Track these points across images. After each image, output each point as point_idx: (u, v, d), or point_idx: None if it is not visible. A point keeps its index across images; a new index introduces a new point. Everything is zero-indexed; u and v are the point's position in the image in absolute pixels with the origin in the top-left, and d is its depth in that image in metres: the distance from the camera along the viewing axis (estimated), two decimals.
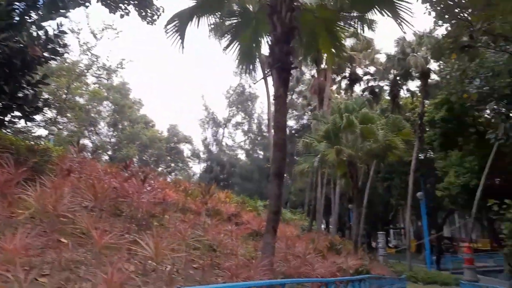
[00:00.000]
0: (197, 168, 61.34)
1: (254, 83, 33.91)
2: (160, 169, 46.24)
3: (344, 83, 32.28)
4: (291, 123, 53.47)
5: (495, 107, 15.64)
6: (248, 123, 59.47)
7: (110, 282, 3.51)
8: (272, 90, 7.62)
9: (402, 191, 34.86)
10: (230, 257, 7.01)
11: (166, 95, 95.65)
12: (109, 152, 42.79)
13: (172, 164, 55.51)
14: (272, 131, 13.08)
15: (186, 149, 57.63)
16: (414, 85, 29.99)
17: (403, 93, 31.63)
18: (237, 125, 59.57)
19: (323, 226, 37.13)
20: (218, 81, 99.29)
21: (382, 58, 30.94)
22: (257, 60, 10.29)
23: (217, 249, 7.64)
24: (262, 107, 63.07)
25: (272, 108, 15.35)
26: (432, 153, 35.52)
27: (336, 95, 33.42)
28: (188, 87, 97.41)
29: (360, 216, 22.48)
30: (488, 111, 19.80)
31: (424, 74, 26.11)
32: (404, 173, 34.34)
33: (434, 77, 27.15)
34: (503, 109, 15.35)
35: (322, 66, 26.29)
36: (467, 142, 27.74)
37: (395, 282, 13.70)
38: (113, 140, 44.48)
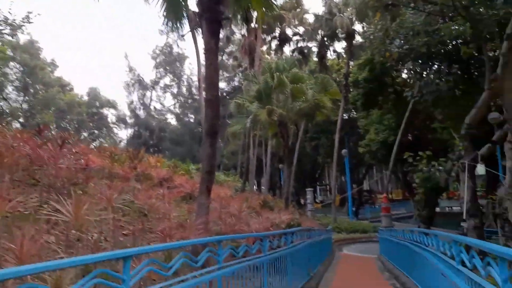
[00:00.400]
0: (123, 134, 58.36)
1: (182, 36, 32.20)
2: (82, 136, 43.09)
3: (274, 44, 32.25)
4: (222, 85, 52.66)
5: (411, 67, 16.74)
6: (177, 85, 57.32)
7: (21, 253, 3.08)
8: (202, 51, 7.16)
9: (329, 149, 36.85)
10: (163, 221, 6.76)
11: (85, 55, 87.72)
12: (21, 120, 38.57)
13: (96, 131, 52.06)
14: (204, 93, 12.61)
15: (110, 114, 54.21)
16: (340, 46, 31.02)
17: (330, 54, 32.60)
18: (165, 88, 57.14)
19: (255, 187, 38.21)
20: (144, 40, 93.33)
21: (310, 18, 31.30)
22: (185, 16, 9.58)
23: (148, 214, 7.32)
24: (192, 68, 60.98)
25: (203, 70, 14.78)
26: (355, 112, 37.71)
27: (266, 56, 33.35)
28: (110, 46, 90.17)
29: (290, 174, 23.36)
30: (405, 71, 21.25)
31: (349, 35, 27.01)
32: (330, 132, 36.22)
33: (358, 39, 28.27)
34: (419, 68, 16.50)
35: (253, 25, 25.81)
36: (386, 101, 29.79)
37: (323, 233, 14.65)
38: (24, 106, 40.03)
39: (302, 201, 44.18)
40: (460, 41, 16.04)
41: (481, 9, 11.97)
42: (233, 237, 5.27)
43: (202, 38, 6.47)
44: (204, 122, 6.71)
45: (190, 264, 3.28)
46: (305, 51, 31.06)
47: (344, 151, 30.96)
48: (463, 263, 3.48)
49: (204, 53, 6.47)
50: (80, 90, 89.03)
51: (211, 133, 6.36)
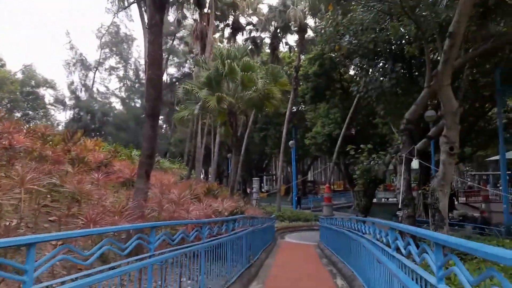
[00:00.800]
0: (62, 116, 54.55)
1: (125, 8, 30.37)
2: (15, 117, 39.60)
3: (227, 32, 31.74)
4: (172, 70, 51.07)
5: (358, 63, 17.28)
6: (124, 68, 54.59)
7: None
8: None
9: (276, 140, 37.35)
10: (97, 207, 6.30)
11: (20, 30, 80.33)
12: None
13: (31, 112, 48.19)
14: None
15: (48, 94, 50.41)
16: (293, 39, 31.30)
17: (282, 47, 32.79)
18: (111, 70, 54.16)
19: (202, 176, 37.71)
20: (88, 18, 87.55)
21: (264, 8, 31.20)
22: None
23: (81, 199, 6.78)
24: (140, 51, 58.27)
25: None
26: (304, 105, 38.52)
27: (219, 43, 32.74)
28: (50, 22, 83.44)
29: (238, 163, 23.31)
30: (353, 68, 21.94)
31: (302, 29, 27.31)
32: (279, 124, 36.72)
33: (311, 33, 28.69)
34: (365, 65, 17.09)
35: (205, 10, 25.10)
36: (333, 96, 30.76)
37: (266, 221, 14.78)
38: None
39: (248, 190, 44.54)
40: (404, 41, 16.86)
41: (424, 13, 12.60)
42: (169, 224, 5.00)
43: (145, 11, 6.02)
44: (146, 102, 6.29)
45: (117, 252, 2.99)
46: (258, 41, 30.95)
47: (291, 142, 31.54)
48: (398, 250, 3.56)
49: (148, 28, 6.03)
50: (14, 67, 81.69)
51: (153, 115, 5.98)
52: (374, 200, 22.76)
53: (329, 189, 25.54)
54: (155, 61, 5.88)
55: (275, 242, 16.56)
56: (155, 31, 5.86)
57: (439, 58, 10.55)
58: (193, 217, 6.52)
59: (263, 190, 48.25)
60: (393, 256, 3.39)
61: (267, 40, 32.02)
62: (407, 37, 15.50)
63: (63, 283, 2.38)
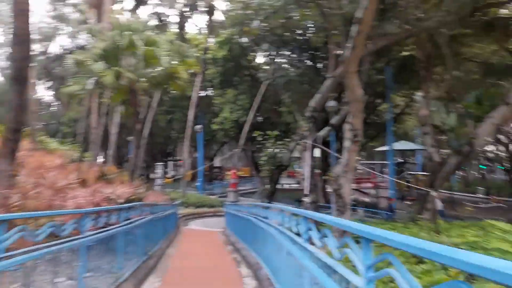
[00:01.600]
0: None
1: None
2: None
3: (129, 3, 29.16)
4: (65, 42, 45.45)
5: (267, 49, 17.27)
6: (3, 33, 46.76)
7: None
8: None
9: (183, 125, 36.09)
10: None
11: None
12: None
13: None
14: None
15: None
16: (202, 21, 30.18)
17: (191, 29, 31.47)
18: None
19: (102, 159, 34.64)
20: None
21: None
22: None
23: None
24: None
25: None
26: (212, 90, 37.87)
27: (119, 16, 29.93)
28: None
29: (139, 147, 21.79)
30: (261, 54, 22.01)
31: (210, 10, 26.41)
32: (186, 107, 35.41)
33: (222, 17, 27.94)
34: (273, 52, 17.16)
35: None
36: (241, 82, 30.69)
37: (169, 208, 14.05)
38: None
39: (152, 176, 42.47)
40: (310, 32, 17.35)
41: (330, 5, 12.98)
42: (29, 216, 4.00)
43: None
44: (11, 63, 5.01)
45: None
46: (164, 18, 29.11)
47: (198, 126, 30.70)
48: (298, 235, 3.31)
49: None
50: None
51: (20, 79, 4.76)
52: (279, 186, 23.46)
53: (235, 175, 25.54)
54: (22, 12, 4.64)
55: (179, 229, 15.85)
56: None
57: (342, 52, 10.97)
58: (74, 206, 5.50)
59: (168, 175, 46.52)
60: (304, 248, 3.06)
61: (175, 19, 30.39)
62: (313, 27, 15.96)
63: None
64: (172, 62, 15.08)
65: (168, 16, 30.12)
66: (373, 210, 17.57)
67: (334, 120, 11.42)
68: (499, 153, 32.06)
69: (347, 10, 12.11)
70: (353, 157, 7.00)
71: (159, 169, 28.60)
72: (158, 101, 30.39)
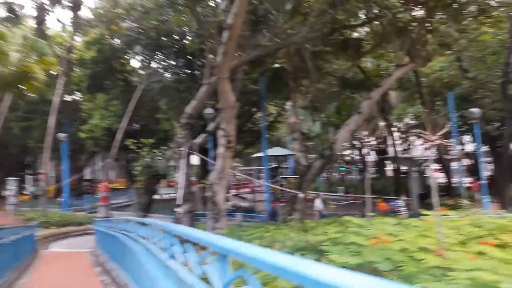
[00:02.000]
0: None
1: None
2: None
3: None
4: None
5: (140, 53, 16.40)
6: None
7: None
8: None
9: (44, 132, 31.78)
10: None
11: None
12: None
13: None
14: None
15: None
16: (67, 17, 27.07)
17: (53, 26, 27.93)
18: None
19: None
20: None
21: None
22: None
23: None
24: None
25: None
26: (80, 94, 34.34)
27: None
28: None
29: None
30: (135, 58, 20.82)
31: (76, 5, 23.88)
32: (47, 113, 31.24)
33: (89, 15, 25.49)
34: (147, 56, 16.38)
35: None
36: (114, 87, 28.58)
37: (22, 230, 12.03)
38: None
39: (4, 193, 36.17)
40: (186, 37, 17.12)
41: (205, 12, 12.99)
42: None
43: None
44: None
45: None
46: (17, 9, 25.17)
47: (61, 135, 27.30)
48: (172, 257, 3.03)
49: None
50: None
51: None
52: (157, 197, 22.33)
53: (106, 187, 23.47)
54: None
55: (36, 254, 13.66)
56: None
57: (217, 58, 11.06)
58: None
59: (27, 192, 40.21)
60: (165, 266, 2.77)
61: (31, 11, 26.63)
62: (189, 32, 15.76)
63: None
64: (26, 60, 13.02)
65: (23, 7, 26.21)
66: (252, 214, 18.09)
67: (210, 127, 11.36)
68: (354, 156, 37.00)
69: (221, 18, 12.30)
70: (228, 163, 6.97)
71: (11, 185, 24.38)
72: (11, 105, 26.08)
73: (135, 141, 15.42)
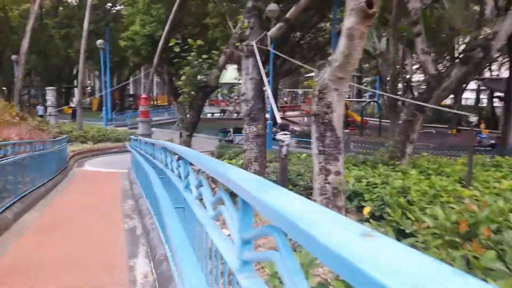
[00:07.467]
0: None
1: None
2: None
3: None
4: None
5: None
6: None
7: None
8: None
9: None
10: None
11: None
12: None
13: None
14: None
15: None
16: None
17: None
18: None
19: None
20: None
21: None
22: None
23: None
24: None
25: None
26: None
27: None
28: None
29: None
30: None
31: None
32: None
33: None
34: None
35: None
36: None
37: (49, 146, 9.95)
38: None
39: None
40: None
41: None
42: None
43: None
44: None
45: None
46: None
47: (99, 41, 24.56)
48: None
49: None
50: None
51: None
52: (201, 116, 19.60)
53: (146, 100, 20.87)
54: None
55: (66, 173, 11.63)
56: None
57: None
58: None
59: (72, 104, 39.34)
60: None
61: None
62: None
63: None
64: None
65: None
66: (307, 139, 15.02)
67: (288, 13, 7.60)
68: None
69: None
70: (357, 48, 3.52)
71: (50, 95, 22.54)
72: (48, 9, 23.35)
73: (178, 42, 12.15)
